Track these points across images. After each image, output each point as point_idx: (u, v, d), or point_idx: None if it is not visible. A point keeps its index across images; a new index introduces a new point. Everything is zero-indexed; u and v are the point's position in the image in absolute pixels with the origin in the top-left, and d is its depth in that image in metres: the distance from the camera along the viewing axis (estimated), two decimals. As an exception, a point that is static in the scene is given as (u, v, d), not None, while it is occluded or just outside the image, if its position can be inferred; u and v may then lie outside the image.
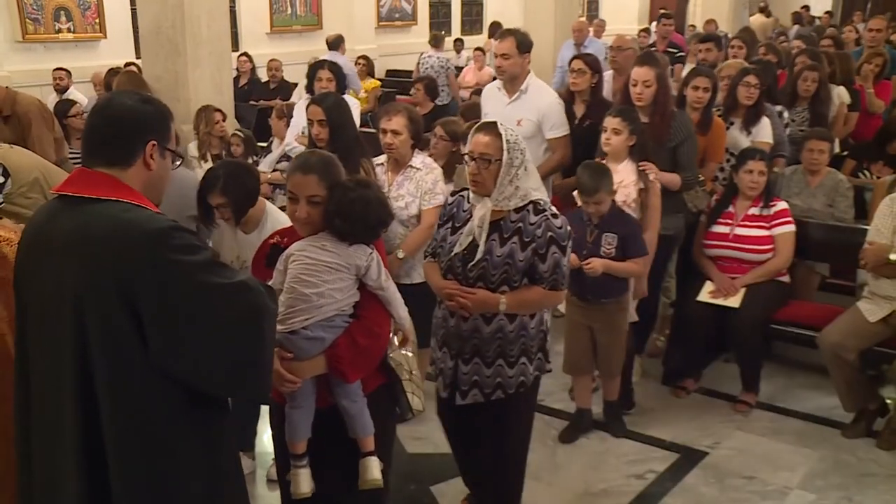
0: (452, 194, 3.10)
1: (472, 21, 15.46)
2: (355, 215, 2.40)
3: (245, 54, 10.29)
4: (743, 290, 4.39)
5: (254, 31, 11.76)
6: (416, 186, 3.85)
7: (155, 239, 1.79)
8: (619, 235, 3.74)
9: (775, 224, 4.44)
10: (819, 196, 4.96)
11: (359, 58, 10.00)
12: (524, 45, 4.61)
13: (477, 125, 2.93)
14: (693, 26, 14.57)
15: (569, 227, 2.91)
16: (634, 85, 4.29)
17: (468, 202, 2.94)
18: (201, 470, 1.92)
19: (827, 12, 16.95)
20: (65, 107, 6.13)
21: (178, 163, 2.06)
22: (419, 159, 3.92)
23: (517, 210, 2.84)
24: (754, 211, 4.48)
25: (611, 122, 3.98)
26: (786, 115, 5.68)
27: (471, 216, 2.88)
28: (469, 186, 2.90)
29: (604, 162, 3.92)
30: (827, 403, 4.33)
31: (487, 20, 15.57)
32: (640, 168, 3.96)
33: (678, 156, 4.33)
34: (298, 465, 2.46)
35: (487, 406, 2.97)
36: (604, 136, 3.98)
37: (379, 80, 10.46)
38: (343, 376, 2.41)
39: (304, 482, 2.45)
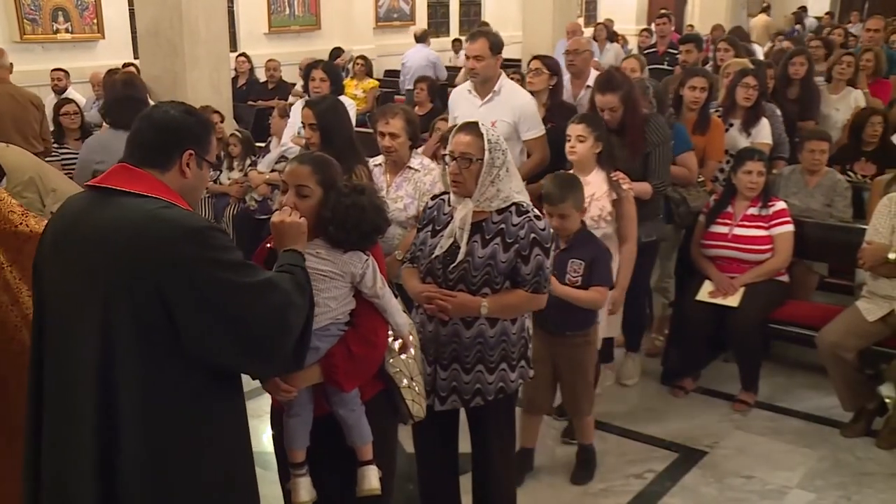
0: (433, 198, 3.05)
1: (471, 21, 15.45)
2: (350, 222, 2.34)
3: (243, 54, 10.28)
4: (742, 290, 4.39)
5: (252, 31, 11.74)
6: (414, 188, 3.81)
7: (192, 236, 1.87)
8: (585, 262, 3.42)
9: (774, 224, 4.44)
10: (817, 196, 4.96)
11: (357, 58, 10.00)
12: (496, 45, 4.52)
13: (458, 125, 2.89)
14: (691, 26, 14.58)
15: (552, 230, 2.88)
16: (602, 111, 4.11)
17: (448, 205, 2.91)
18: (219, 463, 1.99)
19: (827, 13, 16.97)
20: (62, 104, 6.14)
21: (215, 174, 2.15)
22: (417, 160, 3.88)
23: (499, 211, 2.81)
24: (753, 211, 4.48)
25: (574, 129, 3.78)
26: (778, 112, 5.66)
27: (451, 219, 2.85)
28: (450, 188, 2.86)
29: (572, 172, 3.73)
30: (826, 403, 4.33)
31: (482, 21, 15.59)
32: (612, 178, 3.78)
33: (648, 162, 4.18)
34: (298, 474, 2.43)
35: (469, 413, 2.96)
36: (568, 145, 3.79)
37: (377, 80, 10.46)
38: (339, 385, 2.37)
39: (304, 491, 2.42)
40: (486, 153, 2.75)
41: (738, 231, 4.47)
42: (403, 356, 2.57)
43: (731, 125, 4.99)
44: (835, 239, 4.68)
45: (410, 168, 3.85)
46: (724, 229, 4.51)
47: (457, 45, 13.24)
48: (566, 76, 5.58)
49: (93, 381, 1.87)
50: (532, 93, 4.83)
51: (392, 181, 3.88)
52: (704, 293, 4.46)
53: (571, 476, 3.72)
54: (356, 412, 2.43)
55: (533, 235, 2.78)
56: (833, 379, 4.11)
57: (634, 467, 3.84)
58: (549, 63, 5.00)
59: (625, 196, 3.78)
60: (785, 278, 4.55)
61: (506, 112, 4.52)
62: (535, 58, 5.10)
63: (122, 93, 4.79)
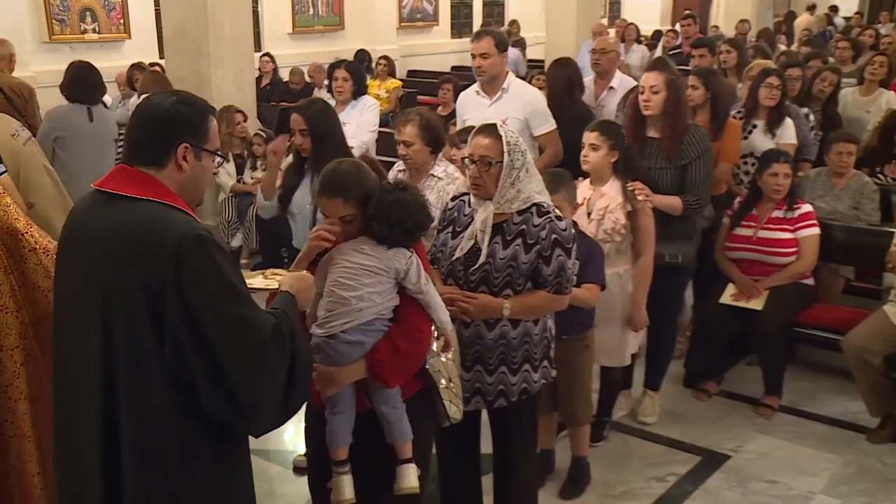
0: (453, 199, 3.04)
1: (494, 21, 15.44)
2: (393, 219, 2.38)
3: (267, 54, 10.35)
4: (766, 293, 4.34)
5: (276, 31, 11.81)
6: (437, 197, 3.64)
7: (185, 245, 1.81)
8: (579, 261, 3.22)
9: (799, 227, 4.39)
10: (844, 198, 4.91)
11: (380, 58, 10.03)
12: (502, 43, 4.51)
13: (477, 128, 2.87)
14: (716, 27, 14.46)
15: (573, 230, 2.86)
16: (642, 92, 3.92)
17: (469, 206, 2.90)
18: (207, 468, 1.94)
19: (857, 13, 16.77)
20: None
21: (219, 162, 2.08)
22: (441, 168, 3.73)
23: (520, 212, 2.80)
24: (778, 214, 4.43)
25: (588, 136, 3.66)
26: (811, 117, 5.60)
27: (472, 220, 2.84)
28: (470, 190, 2.85)
29: (587, 182, 3.66)
30: (852, 408, 4.28)
31: (509, 20, 15.56)
32: (629, 189, 3.62)
33: (686, 175, 3.89)
34: (341, 472, 2.43)
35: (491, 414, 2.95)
36: (582, 153, 3.67)
37: (400, 80, 10.48)
38: (384, 381, 2.38)
39: (347, 488, 2.42)
40: (506, 155, 2.74)
41: (763, 234, 4.43)
42: (443, 357, 2.58)
43: (755, 126, 4.92)
44: (862, 242, 4.63)
45: (433, 176, 3.71)
46: (748, 232, 4.47)
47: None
48: (589, 76, 5.57)
49: (96, 386, 1.87)
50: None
51: None
52: (728, 296, 4.42)
53: (560, 490, 3.61)
54: (398, 409, 2.44)
55: (554, 236, 2.76)
56: (859, 384, 4.06)
57: (656, 470, 3.82)
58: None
59: (640, 208, 3.62)
60: (810, 282, 4.50)
61: (516, 109, 4.48)
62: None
63: (77, 74, 5.22)
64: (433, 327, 2.51)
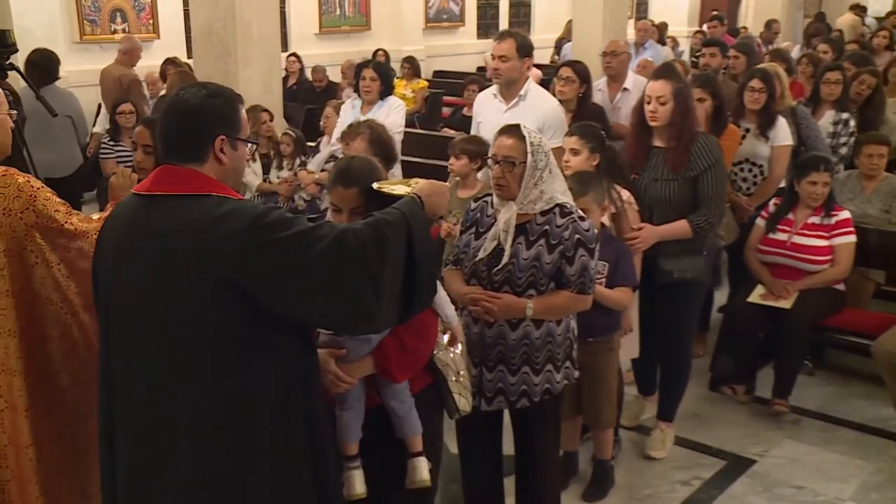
0: (475, 200, 3.06)
1: (521, 22, 15.40)
2: None
3: (294, 55, 10.41)
4: (796, 294, 4.29)
5: (303, 31, 11.87)
6: None
7: (253, 225, 1.82)
8: (609, 263, 3.32)
9: (835, 234, 4.32)
10: (875, 202, 4.84)
11: (404, 59, 10.05)
12: (525, 47, 4.31)
13: (500, 128, 2.88)
14: (745, 28, 14.32)
15: (596, 230, 2.85)
16: (648, 102, 3.68)
17: (492, 207, 2.91)
18: (302, 434, 1.98)
19: (890, 12, 16.48)
20: (118, 104, 6.29)
21: (253, 147, 2.08)
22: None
23: (543, 213, 2.81)
24: (815, 220, 4.36)
25: (568, 141, 3.60)
26: (852, 123, 5.47)
27: (494, 221, 2.85)
28: (493, 191, 2.86)
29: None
30: (882, 414, 4.22)
31: (535, 21, 15.51)
32: (615, 192, 3.50)
33: (698, 188, 3.64)
34: (352, 467, 2.45)
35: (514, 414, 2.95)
36: (563, 159, 3.55)
37: (426, 80, 10.49)
38: (391, 376, 2.40)
39: (359, 483, 2.44)
40: (529, 156, 2.75)
41: (798, 239, 4.37)
42: (451, 351, 2.59)
43: (748, 131, 4.73)
44: (893, 246, 4.58)
45: None
46: (783, 237, 4.41)
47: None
48: (602, 79, 5.54)
49: (164, 393, 1.88)
50: (561, 101, 4.71)
51: None
52: (756, 295, 4.38)
53: (583, 492, 3.61)
54: (406, 404, 2.46)
55: (577, 236, 2.77)
56: (889, 389, 4.00)
57: (681, 474, 3.79)
58: (578, 69, 4.89)
59: (625, 210, 3.52)
60: (841, 287, 4.44)
61: (531, 118, 4.05)
62: (564, 65, 4.93)
63: (34, 56, 5.85)
64: (439, 322, 2.53)
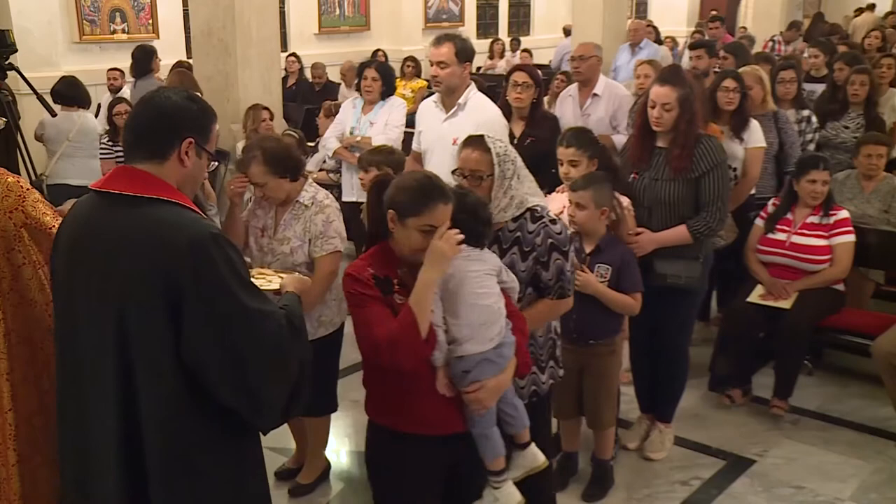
0: None
1: (520, 22, 15.42)
2: (481, 217, 2.45)
3: (293, 55, 10.41)
4: (795, 294, 4.29)
5: (302, 31, 11.88)
6: (303, 228, 3.32)
7: (201, 243, 1.83)
8: (612, 267, 3.32)
9: (834, 233, 4.32)
10: (874, 202, 4.84)
11: (405, 59, 10.05)
12: (464, 52, 4.06)
13: (464, 140, 2.79)
14: (744, 28, 14.32)
15: (569, 232, 2.83)
16: (653, 107, 3.59)
17: None
18: (228, 462, 1.98)
19: (890, 13, 16.49)
20: (115, 104, 6.28)
21: (214, 164, 2.09)
22: (309, 194, 3.37)
23: (514, 219, 2.75)
24: (814, 219, 4.36)
25: (564, 153, 3.51)
26: (814, 119, 5.42)
27: None
28: None
29: (563, 192, 3.54)
30: (881, 414, 4.22)
31: (535, 21, 15.52)
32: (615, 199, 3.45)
33: (700, 190, 3.59)
34: (504, 479, 2.51)
35: None
36: (561, 170, 3.51)
37: (425, 80, 10.48)
38: (528, 367, 2.59)
39: (515, 491, 2.50)
40: (496, 167, 2.67)
41: (797, 239, 4.37)
42: None
43: (721, 133, 4.61)
44: (892, 246, 4.58)
45: (300, 203, 3.36)
46: (781, 236, 4.41)
47: (495, 46, 13.05)
48: (573, 85, 5.42)
49: (112, 389, 1.89)
50: (516, 108, 4.62)
51: (280, 219, 3.39)
52: (756, 295, 4.38)
53: (583, 492, 3.61)
54: (518, 398, 2.61)
55: (550, 241, 2.73)
56: (888, 389, 4.00)
57: (680, 474, 3.79)
58: (534, 74, 4.71)
59: (624, 217, 3.48)
60: (840, 287, 4.44)
61: (469, 129, 3.52)
62: (517, 69, 4.76)
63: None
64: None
